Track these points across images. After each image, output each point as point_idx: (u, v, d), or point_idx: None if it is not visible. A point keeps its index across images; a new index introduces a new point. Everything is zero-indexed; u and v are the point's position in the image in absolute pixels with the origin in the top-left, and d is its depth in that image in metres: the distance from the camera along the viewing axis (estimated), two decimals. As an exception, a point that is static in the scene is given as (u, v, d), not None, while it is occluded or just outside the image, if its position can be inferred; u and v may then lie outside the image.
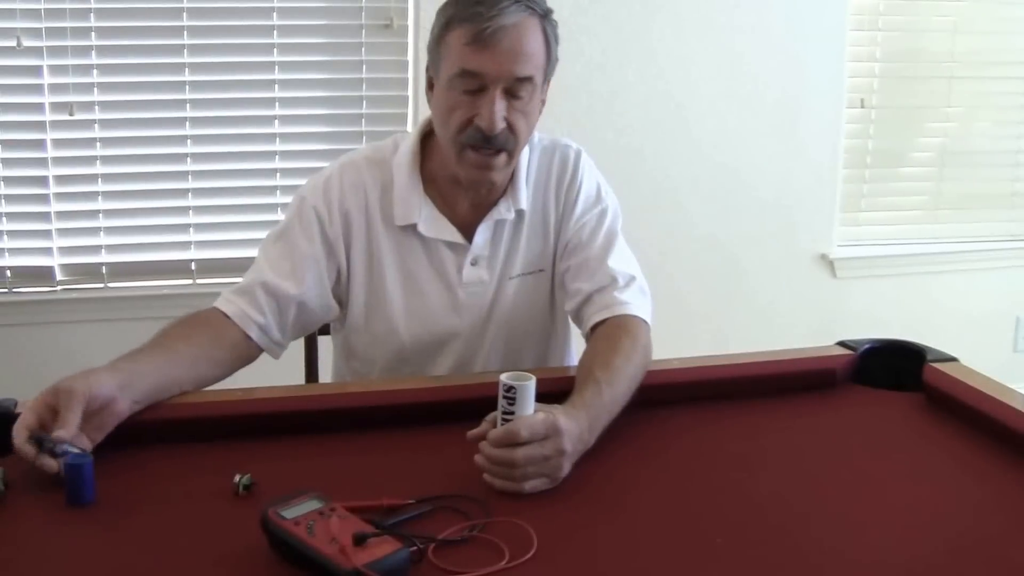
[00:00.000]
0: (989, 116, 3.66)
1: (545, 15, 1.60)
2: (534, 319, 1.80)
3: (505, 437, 1.32)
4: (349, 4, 2.99)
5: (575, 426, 1.37)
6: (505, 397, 1.34)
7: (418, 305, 1.73)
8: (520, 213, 1.74)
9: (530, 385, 1.34)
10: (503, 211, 1.72)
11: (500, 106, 1.56)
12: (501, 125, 1.57)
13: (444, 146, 1.64)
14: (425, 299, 1.74)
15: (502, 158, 1.62)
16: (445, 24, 1.57)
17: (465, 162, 1.62)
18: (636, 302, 1.71)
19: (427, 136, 1.73)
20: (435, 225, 1.71)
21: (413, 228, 1.70)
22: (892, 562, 1.17)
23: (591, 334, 1.70)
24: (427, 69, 1.66)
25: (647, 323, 1.70)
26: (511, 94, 1.57)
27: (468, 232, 1.72)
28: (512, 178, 1.72)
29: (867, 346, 1.80)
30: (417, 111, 3.03)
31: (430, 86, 1.66)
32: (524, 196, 1.74)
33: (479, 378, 1.51)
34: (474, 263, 1.73)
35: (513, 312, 1.77)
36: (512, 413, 1.33)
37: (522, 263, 1.77)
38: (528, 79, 1.57)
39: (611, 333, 1.65)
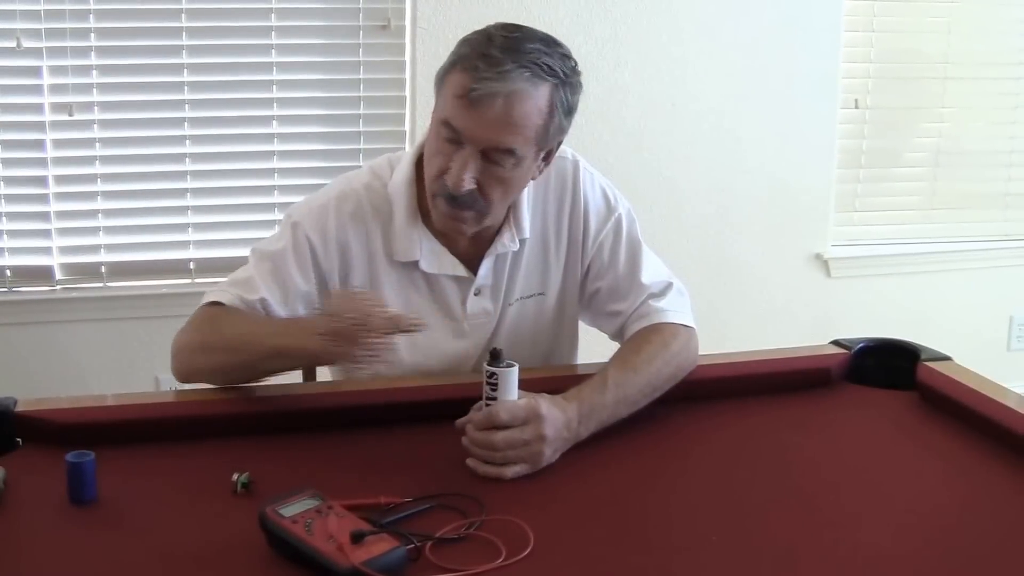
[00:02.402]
0: (983, 117, 3.66)
1: (562, 82, 1.50)
2: (535, 343, 1.76)
3: (486, 420, 1.36)
4: (346, 5, 2.99)
5: (560, 415, 1.39)
6: (488, 383, 1.39)
7: (422, 339, 1.66)
8: (523, 242, 1.69)
9: (512, 372, 1.37)
10: (507, 242, 1.66)
11: (471, 168, 1.48)
12: (467, 187, 1.49)
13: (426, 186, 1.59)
14: (429, 332, 1.66)
15: (470, 214, 1.54)
16: (452, 62, 1.50)
17: (436, 209, 1.56)
18: (674, 308, 1.69)
19: (422, 160, 1.65)
20: (437, 260, 1.65)
21: (415, 264, 1.65)
22: (886, 560, 1.18)
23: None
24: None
25: (688, 327, 1.68)
26: (488, 159, 1.49)
27: (471, 263, 1.67)
28: (514, 207, 1.65)
29: (861, 345, 1.81)
30: (415, 112, 3.03)
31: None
32: (527, 224, 1.68)
33: (476, 377, 1.52)
34: (477, 293, 1.68)
35: (512, 337, 1.72)
36: (494, 398, 1.37)
37: (520, 288, 1.72)
38: (508, 151, 1.48)
39: (642, 336, 1.65)
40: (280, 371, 1.57)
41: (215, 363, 1.55)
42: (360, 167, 1.75)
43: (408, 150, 1.72)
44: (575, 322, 1.83)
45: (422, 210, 1.64)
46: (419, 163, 1.65)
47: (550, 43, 1.51)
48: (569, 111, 1.54)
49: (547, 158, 1.60)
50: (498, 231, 1.66)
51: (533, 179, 1.62)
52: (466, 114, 1.46)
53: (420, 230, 1.64)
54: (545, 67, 1.48)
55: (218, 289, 1.62)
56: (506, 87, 1.44)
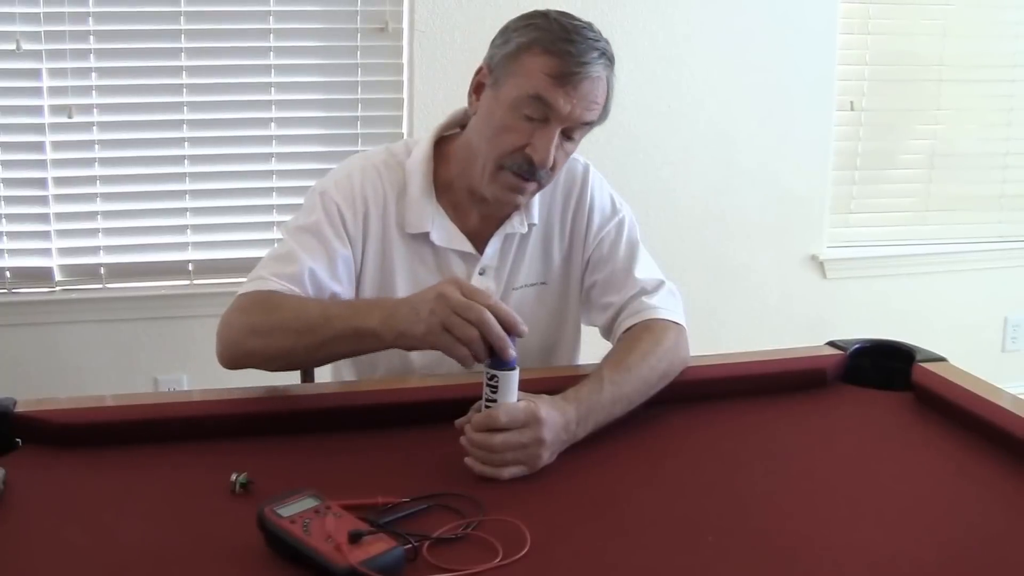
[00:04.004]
0: (977, 119, 3.67)
1: (612, 65, 1.60)
2: (536, 331, 1.75)
3: (485, 422, 1.36)
4: (344, 8, 3.00)
5: (559, 416, 1.40)
6: (488, 385, 1.38)
7: None
8: (531, 227, 1.75)
9: (513, 374, 1.37)
10: (516, 224, 1.74)
11: (555, 144, 1.58)
12: (552, 162, 1.59)
13: (480, 159, 1.63)
14: None
15: (533, 187, 1.63)
16: (526, 45, 1.56)
17: (499, 182, 1.62)
18: (665, 305, 1.72)
19: (440, 143, 1.73)
20: (447, 235, 1.71)
21: (425, 236, 1.70)
22: (881, 560, 1.18)
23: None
24: (480, 72, 1.64)
25: (678, 324, 1.71)
26: (566, 135, 1.60)
27: (478, 242, 1.73)
28: None
29: (857, 346, 1.81)
30: (412, 115, 3.04)
31: (478, 89, 1.65)
32: (536, 209, 1.75)
33: (475, 378, 1.53)
34: (482, 273, 1.73)
35: None
36: (494, 400, 1.37)
37: (524, 275, 1.78)
38: (588, 124, 1.61)
39: (634, 335, 1.67)
40: (346, 355, 1.59)
41: (277, 345, 1.53)
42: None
43: (427, 133, 1.77)
44: (577, 319, 1.86)
45: (437, 187, 1.71)
46: (437, 143, 1.73)
47: (598, 31, 1.61)
48: (612, 95, 1.64)
49: None
50: (508, 214, 1.73)
51: None
52: (563, 93, 1.55)
53: (433, 204, 1.71)
54: (608, 53, 1.59)
55: (258, 276, 1.62)
56: (596, 72, 1.56)
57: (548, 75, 1.54)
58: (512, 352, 1.35)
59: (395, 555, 1.10)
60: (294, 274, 1.61)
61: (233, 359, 1.57)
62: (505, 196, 1.64)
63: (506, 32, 1.62)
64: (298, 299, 1.58)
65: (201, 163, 3.00)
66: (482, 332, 1.34)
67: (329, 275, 1.64)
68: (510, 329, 1.35)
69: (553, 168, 1.61)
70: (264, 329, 1.53)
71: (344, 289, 1.67)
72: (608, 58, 1.58)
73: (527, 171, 1.60)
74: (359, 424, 1.52)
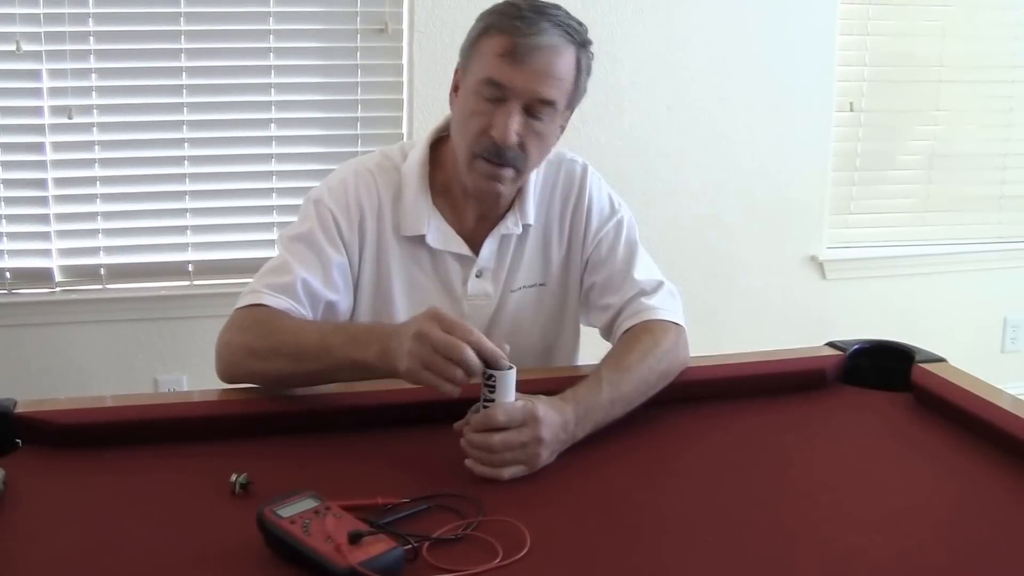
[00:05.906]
0: (976, 119, 3.68)
1: (583, 45, 1.61)
2: (535, 332, 1.80)
3: (484, 422, 1.37)
4: (344, 9, 3.00)
5: (557, 416, 1.40)
6: (486, 385, 1.38)
7: None
8: (527, 228, 1.75)
9: (510, 374, 1.38)
10: (511, 225, 1.73)
11: (515, 121, 1.57)
12: (513, 139, 1.57)
13: (458, 152, 1.65)
14: None
15: (509, 172, 1.62)
16: (483, 30, 1.60)
17: (475, 171, 1.62)
18: (665, 306, 1.72)
19: (436, 145, 1.74)
20: (443, 237, 1.71)
21: (421, 239, 1.70)
22: (880, 560, 1.18)
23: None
24: (456, 71, 1.67)
25: (678, 325, 1.71)
26: (530, 113, 1.58)
27: (474, 244, 1.72)
28: (520, 192, 1.72)
29: (856, 347, 1.81)
30: (412, 116, 3.04)
31: (455, 89, 1.67)
32: (532, 211, 1.74)
33: (472, 378, 1.53)
34: (479, 275, 1.73)
35: (514, 325, 1.76)
36: (492, 401, 1.37)
37: (522, 276, 1.77)
38: (550, 103, 1.59)
39: (633, 335, 1.67)
40: (347, 380, 1.54)
41: (276, 369, 1.53)
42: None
43: (423, 135, 1.77)
44: (576, 320, 1.86)
45: (433, 189, 1.71)
46: (434, 145, 1.73)
47: (567, 12, 1.61)
48: (588, 72, 1.64)
49: (566, 121, 1.69)
50: (503, 215, 1.73)
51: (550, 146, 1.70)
52: (512, 69, 1.55)
53: (429, 207, 1.71)
54: (572, 29, 1.59)
55: (252, 290, 1.62)
56: (547, 41, 1.56)
57: (498, 55, 1.56)
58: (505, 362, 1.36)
59: (395, 555, 1.10)
60: (286, 285, 1.61)
61: (233, 378, 1.57)
62: (485, 184, 1.64)
63: (469, 33, 1.64)
64: (297, 323, 1.57)
65: (201, 164, 2.99)
66: (464, 370, 1.34)
67: (323, 284, 1.64)
68: (492, 363, 1.36)
69: (525, 150, 1.61)
70: (263, 352, 1.53)
71: (341, 297, 1.67)
72: (570, 34, 1.58)
73: (496, 154, 1.59)
74: (359, 424, 1.52)
